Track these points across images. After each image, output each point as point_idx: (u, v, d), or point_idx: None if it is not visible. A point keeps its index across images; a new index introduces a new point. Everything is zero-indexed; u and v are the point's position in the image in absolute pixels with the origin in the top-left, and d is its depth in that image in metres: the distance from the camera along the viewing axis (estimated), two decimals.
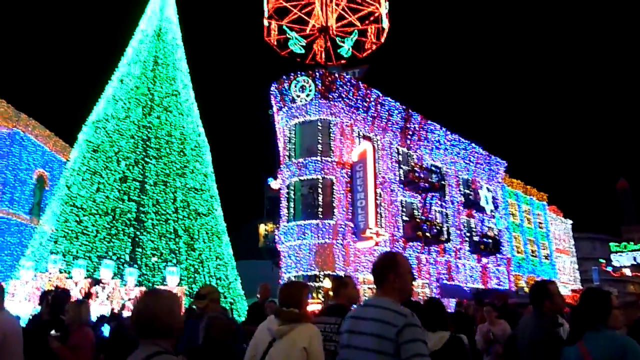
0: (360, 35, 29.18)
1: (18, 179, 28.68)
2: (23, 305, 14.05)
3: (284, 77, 23.85)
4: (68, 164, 23.25)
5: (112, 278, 16.19)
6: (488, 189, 33.64)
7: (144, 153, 22.04)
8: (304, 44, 28.46)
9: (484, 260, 31.45)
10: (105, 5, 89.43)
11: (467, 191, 31.81)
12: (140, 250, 20.28)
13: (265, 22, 28.56)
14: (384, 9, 28.22)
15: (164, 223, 21.08)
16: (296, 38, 28.31)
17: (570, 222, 53.22)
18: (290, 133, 23.83)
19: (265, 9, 28.25)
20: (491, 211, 32.95)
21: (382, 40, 29.00)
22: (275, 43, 28.79)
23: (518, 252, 37.20)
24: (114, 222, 20.37)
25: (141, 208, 21.00)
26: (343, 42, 28.82)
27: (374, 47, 29.09)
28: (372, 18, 28.91)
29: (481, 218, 32.35)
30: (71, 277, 15.65)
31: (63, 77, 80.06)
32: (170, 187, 21.86)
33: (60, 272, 16.27)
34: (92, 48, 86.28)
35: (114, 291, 15.47)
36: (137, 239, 20.42)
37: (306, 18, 28.55)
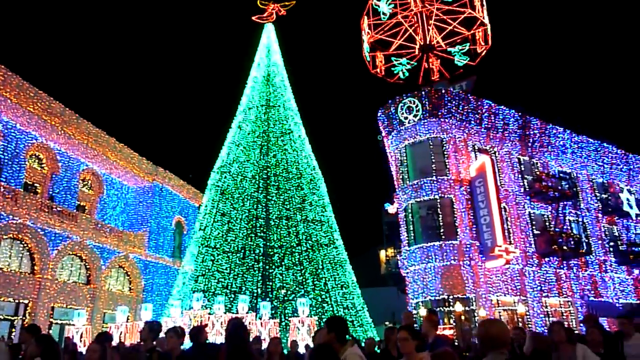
0: (466, 43, 28.14)
1: (160, 226, 32.03)
2: None
3: (390, 101, 23.90)
4: (200, 208, 25.48)
5: (247, 312, 17.11)
6: (630, 191, 30.04)
7: (265, 191, 23.41)
8: (409, 67, 28.21)
9: (636, 271, 27.86)
10: (220, 61, 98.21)
11: (605, 196, 28.70)
12: (270, 283, 21.32)
13: (367, 56, 28.79)
14: (484, 12, 27.10)
15: (290, 255, 21.98)
16: (400, 63, 28.17)
17: None
18: (401, 156, 23.66)
19: (366, 44, 28.61)
20: (637, 215, 29.30)
21: (490, 42, 27.75)
22: (383, 73, 28.86)
23: None
24: (245, 258, 21.75)
25: (267, 243, 22.19)
26: (451, 55, 28.08)
27: (484, 51, 27.82)
28: (478, 22, 27.81)
29: (626, 224, 28.88)
30: (212, 313, 16.85)
31: (190, 130, 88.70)
32: (292, 221, 22.84)
33: (204, 309, 17.62)
34: (213, 102, 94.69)
35: (250, 325, 16.31)
36: (266, 273, 21.53)
37: (407, 44, 28.39)
